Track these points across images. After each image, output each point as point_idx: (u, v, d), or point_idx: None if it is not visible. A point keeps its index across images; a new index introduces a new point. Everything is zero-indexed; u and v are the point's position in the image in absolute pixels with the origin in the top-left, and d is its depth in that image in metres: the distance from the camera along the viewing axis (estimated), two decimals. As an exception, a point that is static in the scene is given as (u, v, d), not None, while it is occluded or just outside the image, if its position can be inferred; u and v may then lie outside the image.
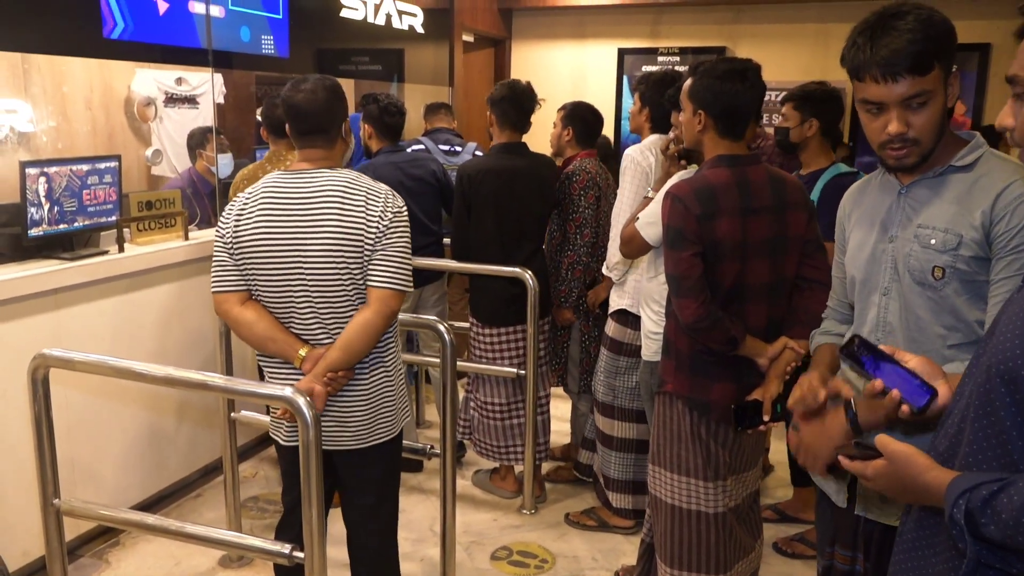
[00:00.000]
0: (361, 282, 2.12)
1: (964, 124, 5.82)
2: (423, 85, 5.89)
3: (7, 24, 2.88)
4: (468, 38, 6.53)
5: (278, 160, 3.45)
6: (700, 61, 2.26)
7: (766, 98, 2.31)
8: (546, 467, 3.79)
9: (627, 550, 3.21)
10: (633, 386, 3.16)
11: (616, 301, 3.18)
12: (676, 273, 2.13)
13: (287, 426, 2.24)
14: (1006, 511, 1.00)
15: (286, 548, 2.03)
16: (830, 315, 1.93)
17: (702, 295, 2.11)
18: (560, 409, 3.71)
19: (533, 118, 3.48)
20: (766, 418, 2.15)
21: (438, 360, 3.21)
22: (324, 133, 2.15)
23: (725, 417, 2.21)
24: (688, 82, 2.25)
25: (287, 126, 2.18)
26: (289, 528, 2.31)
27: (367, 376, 2.20)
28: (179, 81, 4.29)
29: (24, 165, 2.82)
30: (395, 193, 2.19)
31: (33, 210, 2.84)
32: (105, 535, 3.18)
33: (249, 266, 2.11)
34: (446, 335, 2.60)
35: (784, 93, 3.25)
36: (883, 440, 1.20)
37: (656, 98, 3.03)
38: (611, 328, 3.22)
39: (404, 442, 2.42)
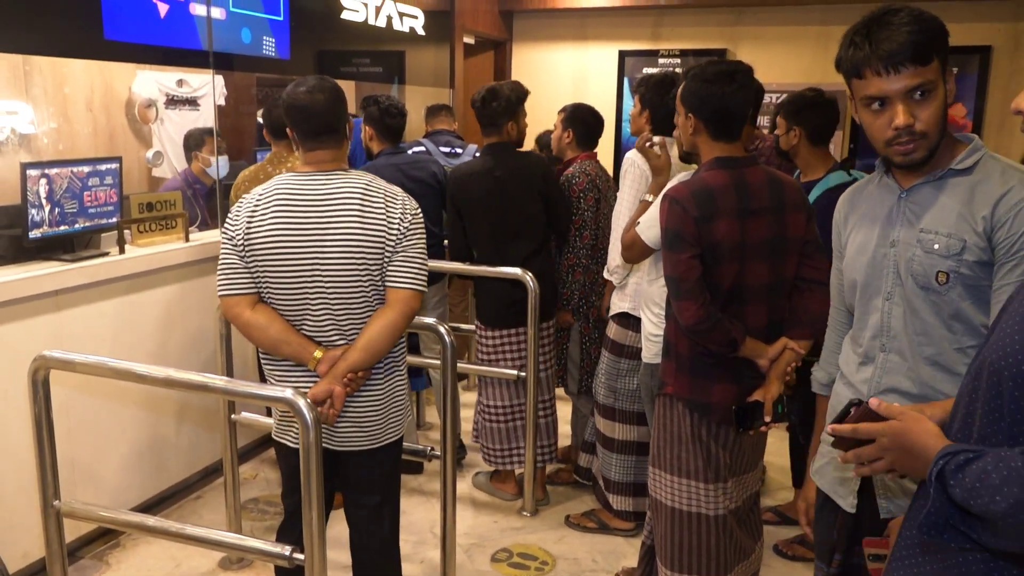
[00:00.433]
0: (380, 284, 2.13)
1: (966, 127, 5.81)
2: (424, 87, 5.89)
3: (8, 26, 2.88)
4: (469, 40, 6.53)
5: (279, 162, 3.45)
6: (694, 64, 2.26)
7: (766, 100, 2.31)
8: (547, 469, 3.79)
9: (627, 552, 3.21)
10: (634, 388, 3.16)
11: (617, 304, 3.18)
12: (675, 275, 2.14)
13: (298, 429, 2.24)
14: (970, 475, 1.06)
15: (286, 550, 2.03)
16: (834, 327, 1.91)
17: (701, 297, 2.11)
18: (561, 411, 3.72)
19: (532, 119, 3.47)
20: (767, 419, 2.15)
21: (439, 362, 3.21)
22: (334, 133, 2.15)
23: (726, 419, 2.21)
24: (681, 86, 2.25)
25: (290, 128, 2.18)
26: (290, 531, 2.30)
27: (383, 377, 2.21)
28: (180, 83, 4.30)
29: (25, 167, 2.82)
30: (409, 195, 2.20)
31: (34, 211, 2.84)
32: (105, 537, 3.18)
33: (261, 268, 2.10)
34: (446, 337, 2.60)
35: (783, 97, 3.26)
36: (894, 408, 1.24)
37: (656, 100, 3.03)
38: (612, 331, 3.22)
39: (404, 444, 2.43)
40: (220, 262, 2.15)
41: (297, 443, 2.22)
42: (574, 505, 3.59)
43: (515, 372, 3.43)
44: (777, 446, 3.87)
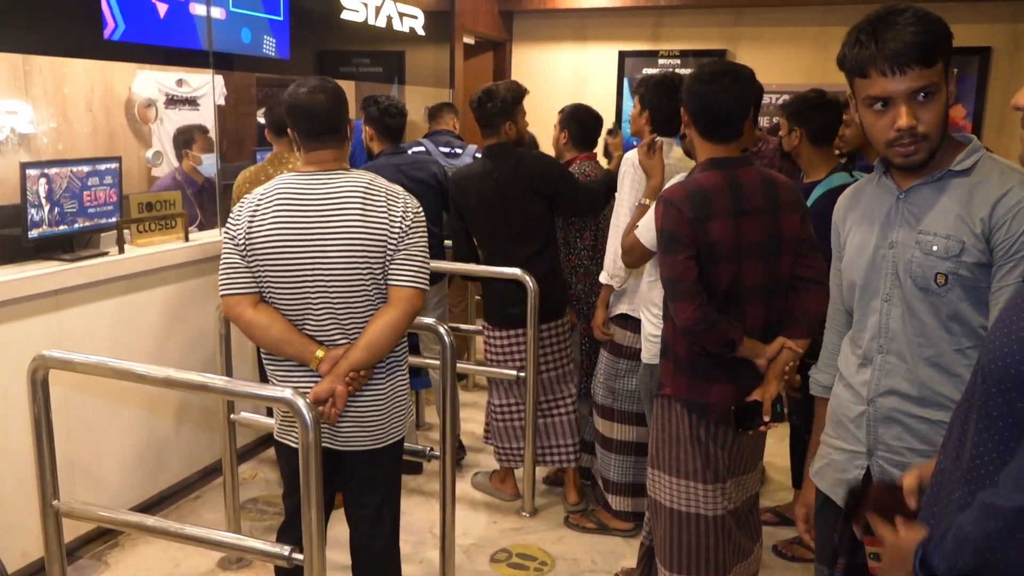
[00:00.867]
0: (382, 282, 2.13)
1: (965, 128, 5.82)
2: (424, 87, 5.89)
3: (8, 26, 2.88)
4: (469, 40, 6.53)
5: (280, 162, 3.45)
6: (694, 65, 2.27)
7: (765, 100, 2.30)
8: (546, 470, 3.79)
9: (627, 552, 3.21)
10: (633, 389, 3.16)
11: (616, 305, 3.18)
12: (671, 276, 2.14)
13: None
14: (950, 543, 1.08)
15: (285, 550, 2.03)
16: (832, 328, 1.90)
17: (698, 298, 2.11)
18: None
19: (532, 119, 3.45)
20: (766, 418, 2.15)
21: (438, 362, 3.20)
22: (336, 132, 2.16)
23: (725, 419, 2.21)
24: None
25: (292, 128, 2.18)
26: (291, 532, 2.29)
27: (385, 376, 2.21)
28: (180, 83, 4.30)
29: (24, 166, 2.82)
30: (411, 194, 2.20)
31: (33, 211, 2.84)
32: (104, 536, 3.18)
33: (262, 267, 2.10)
34: (446, 337, 2.60)
35: (788, 98, 3.26)
36: (908, 479, 1.30)
37: (656, 101, 3.02)
38: (611, 331, 3.22)
39: (405, 444, 2.43)
40: (222, 262, 2.15)
41: (298, 443, 2.23)
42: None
43: (515, 372, 3.43)
44: (777, 447, 3.87)
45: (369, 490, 2.30)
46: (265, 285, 2.12)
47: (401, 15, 5.47)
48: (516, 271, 3.32)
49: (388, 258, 2.11)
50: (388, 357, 2.19)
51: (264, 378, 2.31)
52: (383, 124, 3.59)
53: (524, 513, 3.51)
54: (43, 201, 2.88)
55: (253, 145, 4.74)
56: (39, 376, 2.16)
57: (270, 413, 3.19)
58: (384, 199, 2.12)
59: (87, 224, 3.09)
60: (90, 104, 4.27)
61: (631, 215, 2.91)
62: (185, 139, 4.26)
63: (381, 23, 5.26)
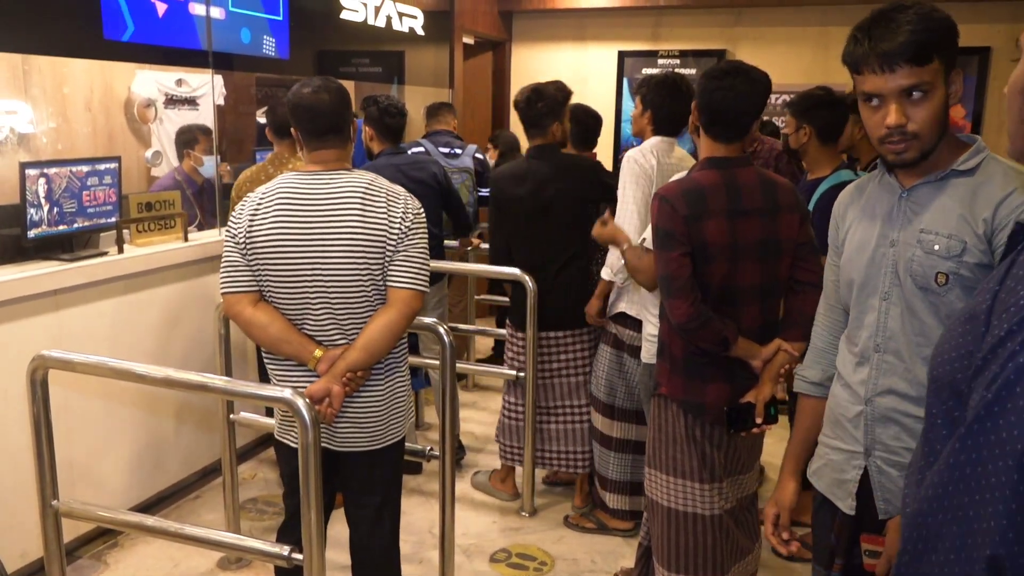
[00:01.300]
0: (381, 283, 2.13)
1: (964, 128, 5.82)
2: (423, 87, 5.89)
3: (7, 25, 2.88)
4: (468, 40, 6.53)
5: (280, 163, 3.45)
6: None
7: (768, 101, 2.29)
8: (546, 470, 3.79)
9: (626, 552, 3.21)
10: (633, 387, 3.16)
11: (616, 304, 3.18)
12: (665, 273, 2.14)
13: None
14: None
15: (284, 550, 2.03)
16: (821, 323, 1.88)
17: (692, 295, 2.11)
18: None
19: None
20: (759, 420, 2.15)
21: (438, 362, 3.20)
22: (339, 132, 2.16)
23: (719, 419, 2.21)
24: None
25: (295, 128, 2.18)
26: (291, 532, 2.29)
27: (383, 377, 2.21)
28: (179, 83, 4.30)
29: (24, 166, 2.82)
30: (411, 195, 2.20)
31: (33, 211, 2.84)
32: (103, 536, 3.18)
33: (262, 266, 2.10)
34: (445, 337, 2.60)
35: (787, 97, 3.24)
36: None
37: (658, 101, 3.01)
38: (612, 329, 3.22)
39: (405, 444, 2.42)
40: (223, 260, 2.15)
41: (298, 443, 2.23)
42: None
43: (513, 372, 3.42)
44: (775, 447, 3.87)
45: (369, 490, 2.30)
46: (265, 284, 2.13)
47: (401, 15, 5.47)
48: (515, 271, 3.31)
49: (387, 259, 2.11)
50: (387, 358, 2.19)
51: (264, 378, 2.31)
52: (383, 124, 3.59)
53: (524, 513, 3.51)
54: (42, 201, 2.88)
55: (253, 145, 4.73)
56: (39, 376, 2.16)
57: (269, 413, 3.19)
58: (384, 200, 2.12)
59: (86, 224, 3.09)
60: (89, 104, 4.26)
61: (635, 210, 2.90)
62: (187, 139, 4.26)
63: (381, 23, 5.26)
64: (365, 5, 5.07)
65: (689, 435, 2.26)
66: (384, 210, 2.10)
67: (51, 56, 3.66)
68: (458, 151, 4.39)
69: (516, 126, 3.70)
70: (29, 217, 2.83)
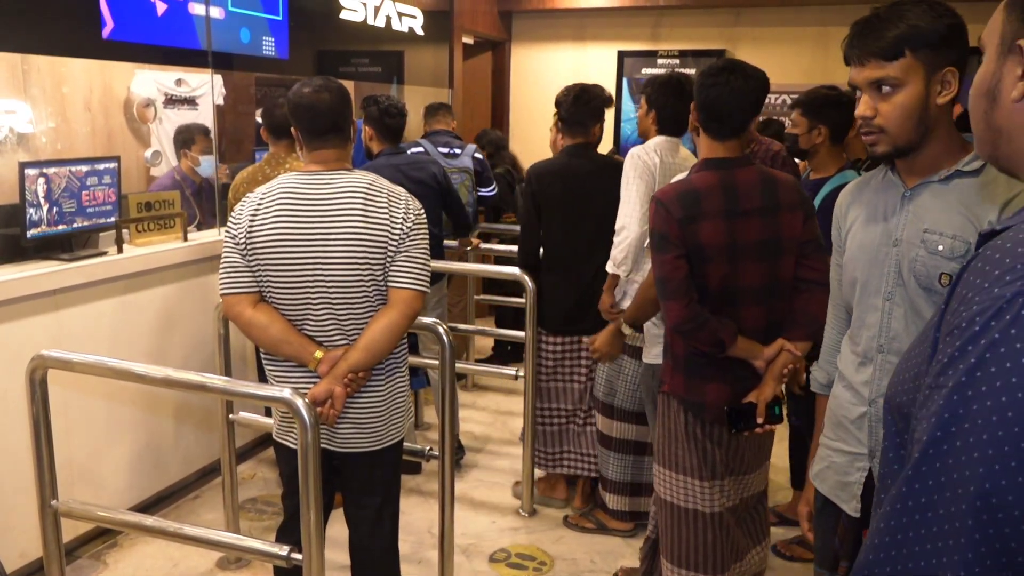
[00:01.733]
0: (382, 283, 2.12)
1: (963, 127, 5.80)
2: (423, 87, 5.89)
3: (7, 25, 2.88)
4: (468, 40, 6.53)
5: (277, 163, 3.45)
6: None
7: (766, 101, 2.28)
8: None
9: (626, 552, 3.21)
10: (634, 387, 3.15)
11: (619, 304, 3.17)
12: (661, 275, 2.15)
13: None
14: None
15: (284, 550, 2.03)
16: (833, 325, 1.89)
17: (686, 297, 2.11)
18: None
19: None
20: (760, 420, 2.14)
21: (437, 362, 3.20)
22: (340, 132, 2.16)
23: (719, 418, 2.21)
24: None
25: (296, 128, 2.18)
26: (291, 532, 2.28)
27: (384, 378, 2.21)
28: (178, 82, 4.29)
29: (23, 166, 2.82)
30: (412, 196, 2.20)
31: (32, 211, 2.84)
32: (103, 536, 3.18)
33: (263, 267, 2.10)
34: (445, 337, 2.60)
35: (793, 98, 3.22)
36: None
37: (663, 100, 3.01)
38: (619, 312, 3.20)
39: (404, 444, 2.42)
40: (222, 261, 2.14)
41: (297, 444, 2.23)
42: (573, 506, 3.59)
43: (512, 372, 3.42)
44: (777, 447, 3.86)
45: (369, 491, 2.29)
46: (265, 285, 2.12)
47: (400, 15, 5.47)
48: (515, 271, 3.31)
49: (388, 259, 2.11)
50: (387, 358, 2.19)
51: (263, 378, 2.31)
52: (383, 124, 3.59)
53: (523, 513, 3.51)
54: (42, 201, 2.88)
55: (252, 145, 4.73)
56: (38, 376, 2.16)
57: (269, 413, 3.19)
58: (385, 200, 2.12)
59: (86, 224, 3.09)
60: (89, 104, 4.26)
61: (638, 203, 2.90)
62: (185, 139, 4.25)
63: (380, 23, 5.25)
64: (365, 5, 5.06)
65: (690, 433, 2.27)
66: (385, 211, 2.10)
67: (50, 56, 3.65)
68: (457, 151, 4.39)
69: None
70: (28, 217, 2.83)
